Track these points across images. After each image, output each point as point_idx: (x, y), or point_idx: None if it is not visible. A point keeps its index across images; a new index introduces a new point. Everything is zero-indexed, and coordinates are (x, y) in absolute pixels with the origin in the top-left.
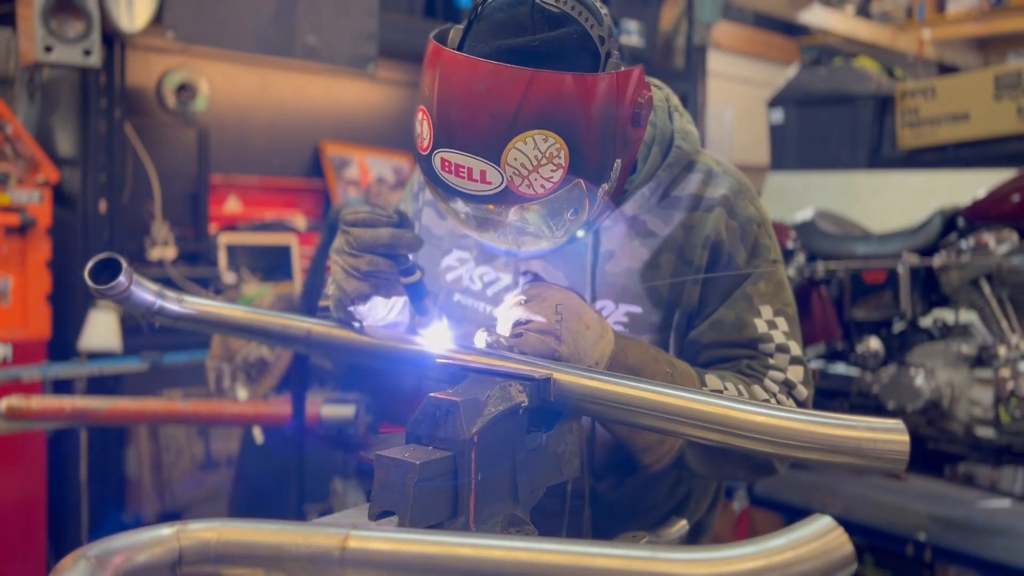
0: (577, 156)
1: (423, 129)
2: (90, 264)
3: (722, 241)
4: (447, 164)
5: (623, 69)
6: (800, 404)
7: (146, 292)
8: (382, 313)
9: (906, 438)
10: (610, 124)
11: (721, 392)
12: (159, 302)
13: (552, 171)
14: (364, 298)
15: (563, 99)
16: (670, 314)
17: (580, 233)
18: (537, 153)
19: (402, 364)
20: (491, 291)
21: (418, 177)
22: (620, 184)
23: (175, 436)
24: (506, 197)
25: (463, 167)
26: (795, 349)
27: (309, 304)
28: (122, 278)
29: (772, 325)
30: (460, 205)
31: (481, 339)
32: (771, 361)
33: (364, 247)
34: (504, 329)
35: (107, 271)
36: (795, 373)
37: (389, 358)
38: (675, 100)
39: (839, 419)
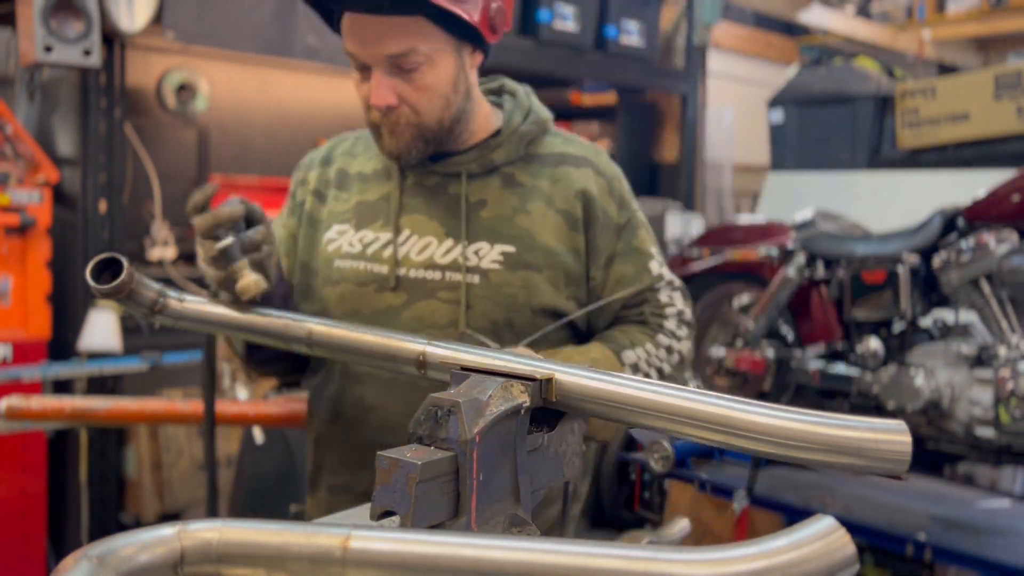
0: None
1: None
2: (91, 264)
3: (593, 196)
4: None
5: None
6: (687, 324)
7: (147, 292)
8: (254, 290)
9: (908, 439)
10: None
11: (636, 364)
12: (160, 302)
13: None
14: (223, 282)
15: None
16: (544, 254)
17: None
18: None
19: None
20: (370, 250)
21: (298, 174)
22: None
23: (175, 436)
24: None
25: None
26: (676, 280)
27: None
28: (124, 278)
29: (660, 264)
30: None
31: None
32: (663, 300)
33: (201, 233)
34: None
35: (109, 271)
36: (679, 300)
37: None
38: (529, 90)
39: (840, 420)
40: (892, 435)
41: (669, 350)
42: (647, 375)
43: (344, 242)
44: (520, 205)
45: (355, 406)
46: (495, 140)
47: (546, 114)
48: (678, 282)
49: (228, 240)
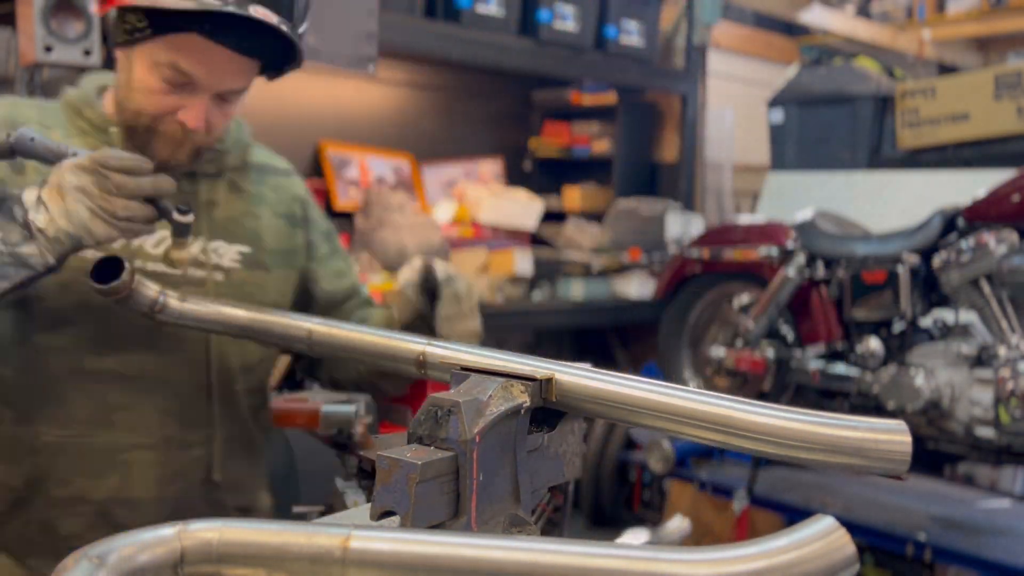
0: None
1: None
2: (92, 264)
3: (307, 201)
4: None
5: None
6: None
7: (148, 291)
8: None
9: (908, 439)
10: None
11: None
12: (161, 301)
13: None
14: (111, 240)
15: None
16: (270, 255)
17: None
18: None
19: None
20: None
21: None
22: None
23: None
24: None
25: None
26: (364, 291)
27: None
28: (124, 277)
29: (352, 267)
30: None
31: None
32: (365, 295)
33: (125, 193)
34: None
35: (109, 271)
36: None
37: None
38: None
39: (840, 420)
40: (892, 435)
41: None
42: None
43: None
44: (247, 209)
45: (95, 408)
46: (223, 145)
47: (247, 127)
48: (365, 292)
49: (191, 216)
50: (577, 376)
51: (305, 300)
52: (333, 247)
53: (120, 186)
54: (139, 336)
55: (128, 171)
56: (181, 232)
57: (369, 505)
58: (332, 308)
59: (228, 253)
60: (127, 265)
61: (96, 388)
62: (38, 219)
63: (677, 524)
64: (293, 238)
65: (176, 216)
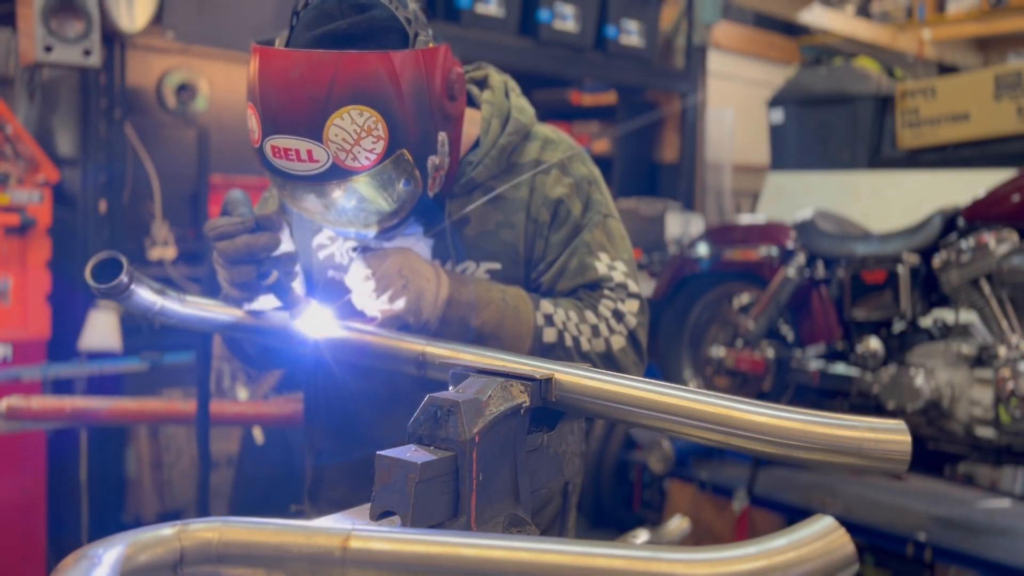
0: (395, 128)
1: (252, 123)
2: (91, 263)
3: (560, 198)
4: (277, 150)
5: (431, 46)
6: (630, 332)
7: (147, 291)
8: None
9: (908, 439)
10: (423, 97)
11: (552, 316)
12: (160, 301)
13: (373, 143)
14: (250, 300)
15: (371, 76)
16: (528, 268)
17: (437, 205)
18: (355, 127)
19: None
20: (356, 258)
21: None
22: (455, 157)
23: (175, 436)
24: (335, 173)
25: (291, 149)
26: (632, 287)
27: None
28: (123, 277)
29: (611, 268)
30: (300, 191)
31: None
32: (606, 293)
33: (228, 259)
34: (363, 303)
35: (108, 270)
36: (629, 306)
37: (384, 357)
38: (512, 83)
39: (840, 419)
40: (892, 435)
41: (595, 331)
42: (560, 334)
43: (336, 251)
44: (504, 219)
45: (348, 425)
46: (474, 156)
47: (527, 116)
48: (634, 289)
49: (274, 275)
50: (577, 376)
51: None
52: (578, 241)
53: (221, 252)
54: None
55: (222, 237)
56: (276, 294)
57: (369, 505)
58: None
59: (477, 273)
60: (125, 265)
61: (350, 407)
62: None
63: (677, 524)
64: (536, 245)
65: (260, 282)
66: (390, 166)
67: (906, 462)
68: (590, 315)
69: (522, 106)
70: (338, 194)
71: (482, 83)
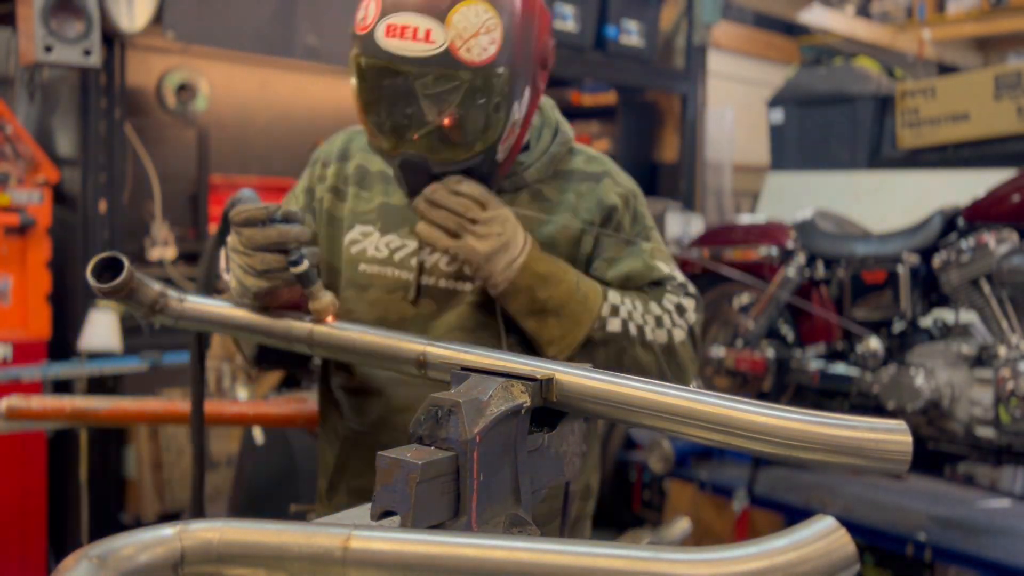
0: (508, 40)
1: (368, 9)
2: (92, 263)
3: (613, 205)
4: (393, 29)
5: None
6: (689, 327)
7: (148, 291)
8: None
9: (908, 439)
10: (531, 36)
11: (618, 307)
12: (161, 301)
13: (489, 43)
14: (267, 293)
15: None
16: (573, 266)
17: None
18: (478, 20)
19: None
20: (398, 256)
21: (315, 170)
22: (523, 131)
23: (175, 436)
24: (446, 59)
25: (408, 27)
26: (691, 288)
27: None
28: (124, 277)
29: (671, 269)
30: (395, 79)
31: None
32: (670, 289)
33: (255, 246)
34: (433, 236)
35: (109, 270)
36: (688, 303)
37: (381, 357)
38: (552, 102)
39: (841, 420)
40: (892, 435)
41: (659, 321)
42: (625, 324)
43: (369, 245)
44: (548, 218)
45: (384, 407)
46: (526, 158)
47: (570, 132)
48: (692, 290)
49: (305, 264)
50: (577, 376)
51: None
52: (633, 250)
53: (249, 239)
54: None
55: (251, 223)
56: (302, 283)
57: (369, 505)
58: None
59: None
60: (127, 265)
61: (384, 390)
62: (227, 278)
63: (679, 525)
64: (586, 242)
65: (291, 269)
66: (493, 75)
67: (907, 462)
68: (655, 306)
69: (565, 123)
70: (438, 86)
71: None
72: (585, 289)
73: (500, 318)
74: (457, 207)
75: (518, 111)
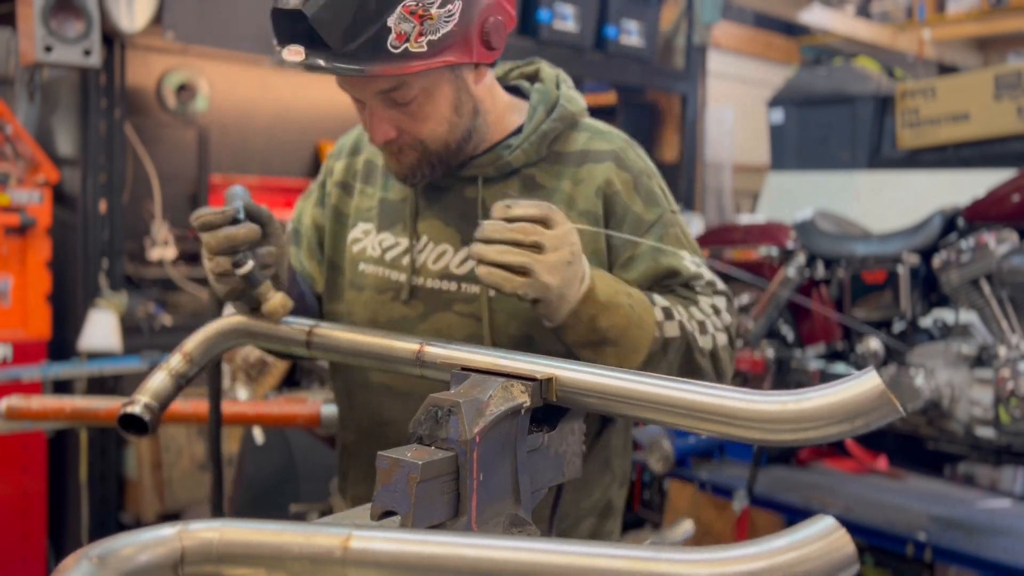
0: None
1: None
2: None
3: (616, 191)
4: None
5: None
6: (726, 327)
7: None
8: (281, 312)
9: (879, 382)
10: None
11: (670, 309)
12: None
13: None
14: (235, 295)
15: None
16: None
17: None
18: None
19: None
20: (389, 255)
21: (328, 163)
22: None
23: (175, 436)
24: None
25: None
26: (719, 284)
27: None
28: (149, 431)
29: (697, 265)
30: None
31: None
32: (700, 290)
33: (211, 250)
34: (488, 255)
35: (133, 425)
36: (721, 303)
37: (379, 356)
38: (564, 75)
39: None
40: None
41: (703, 327)
42: (682, 326)
43: (368, 244)
44: (606, 232)
45: (373, 419)
46: (513, 140)
47: (577, 106)
48: (722, 287)
49: (249, 265)
50: (577, 372)
51: None
52: (655, 241)
53: (205, 244)
54: None
55: (205, 228)
56: (249, 284)
57: (369, 505)
58: None
59: None
60: (151, 426)
61: (374, 400)
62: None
63: (681, 526)
64: (593, 240)
65: (235, 271)
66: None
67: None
68: (695, 311)
69: (572, 96)
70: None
71: (534, 77)
72: (639, 310)
73: (487, 328)
74: (518, 236)
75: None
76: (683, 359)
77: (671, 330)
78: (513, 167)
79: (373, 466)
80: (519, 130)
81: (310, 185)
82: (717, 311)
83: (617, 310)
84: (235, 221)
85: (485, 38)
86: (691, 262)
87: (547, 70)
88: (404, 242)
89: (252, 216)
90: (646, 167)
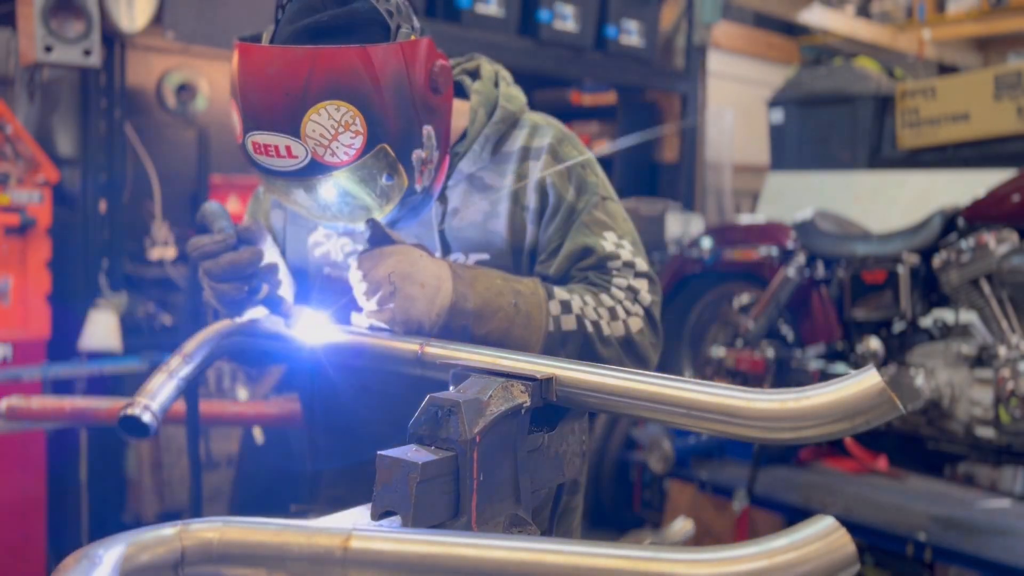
0: (374, 123)
1: (235, 119)
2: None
3: (550, 183)
4: (257, 146)
5: (412, 39)
6: (645, 309)
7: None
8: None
9: (878, 379)
10: (404, 90)
11: (568, 302)
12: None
13: (352, 138)
14: (240, 315)
15: (347, 70)
16: (516, 257)
17: (427, 194)
18: (332, 122)
19: (392, 364)
20: (351, 260)
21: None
22: (444, 149)
23: (175, 436)
24: (314, 168)
25: (270, 146)
26: (641, 265)
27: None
28: (151, 433)
29: (618, 246)
30: (284, 187)
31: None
32: (615, 272)
33: (214, 278)
34: (360, 299)
35: (132, 422)
36: (640, 284)
37: (379, 357)
38: (504, 72)
39: (823, 388)
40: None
41: (613, 314)
42: (580, 320)
43: (331, 248)
44: (491, 210)
45: (347, 419)
46: (460, 147)
47: (516, 104)
48: (644, 268)
49: (265, 290)
50: (577, 372)
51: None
52: (579, 223)
53: (207, 271)
54: None
55: (205, 256)
56: (270, 309)
57: (369, 505)
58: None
59: (466, 264)
60: (153, 429)
61: (348, 401)
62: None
63: (681, 526)
64: (532, 234)
65: (254, 299)
66: (370, 161)
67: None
68: (606, 298)
69: (511, 94)
70: (321, 189)
71: (475, 74)
72: (526, 308)
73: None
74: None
75: (423, 151)
76: (583, 352)
77: (568, 324)
78: (463, 173)
79: (349, 467)
80: (465, 133)
81: (256, 190)
82: (634, 294)
83: (494, 314)
84: (233, 246)
85: (433, 86)
86: (611, 243)
87: (487, 67)
88: (362, 246)
89: (243, 237)
90: (579, 157)
